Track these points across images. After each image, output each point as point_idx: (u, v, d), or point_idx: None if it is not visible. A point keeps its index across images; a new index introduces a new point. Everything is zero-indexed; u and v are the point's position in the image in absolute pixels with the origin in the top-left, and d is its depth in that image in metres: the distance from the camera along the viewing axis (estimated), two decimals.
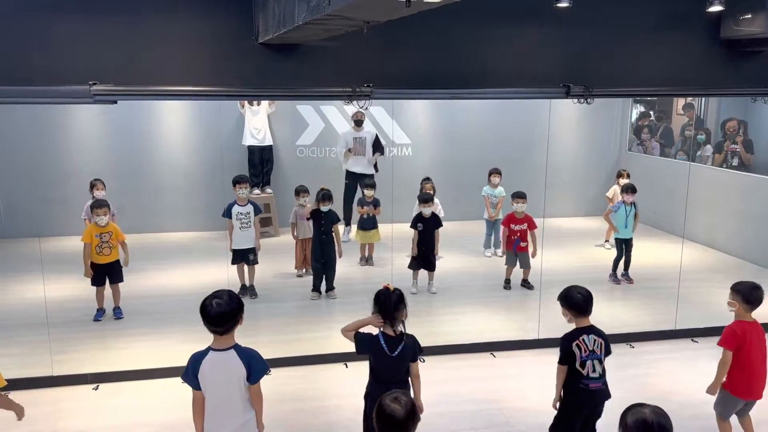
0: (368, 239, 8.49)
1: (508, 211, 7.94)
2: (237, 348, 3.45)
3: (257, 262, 7.43)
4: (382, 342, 3.88)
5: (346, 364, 5.79)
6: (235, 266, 7.38)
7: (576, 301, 4.01)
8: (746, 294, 4.26)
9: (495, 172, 8.99)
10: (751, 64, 6.36)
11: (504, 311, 7.14)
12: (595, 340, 3.99)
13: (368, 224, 8.43)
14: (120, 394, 5.35)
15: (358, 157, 9.57)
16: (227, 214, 7.25)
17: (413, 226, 7.59)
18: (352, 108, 9.95)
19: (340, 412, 5.05)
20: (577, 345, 3.96)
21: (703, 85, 6.47)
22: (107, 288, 6.79)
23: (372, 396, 3.92)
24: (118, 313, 6.85)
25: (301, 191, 7.84)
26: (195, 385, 3.43)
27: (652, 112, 11.25)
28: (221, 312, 3.32)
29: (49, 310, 6.13)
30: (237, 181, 7.30)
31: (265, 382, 4.94)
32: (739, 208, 9.18)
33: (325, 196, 7.37)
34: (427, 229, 7.52)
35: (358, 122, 9.60)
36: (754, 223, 8.90)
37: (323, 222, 7.36)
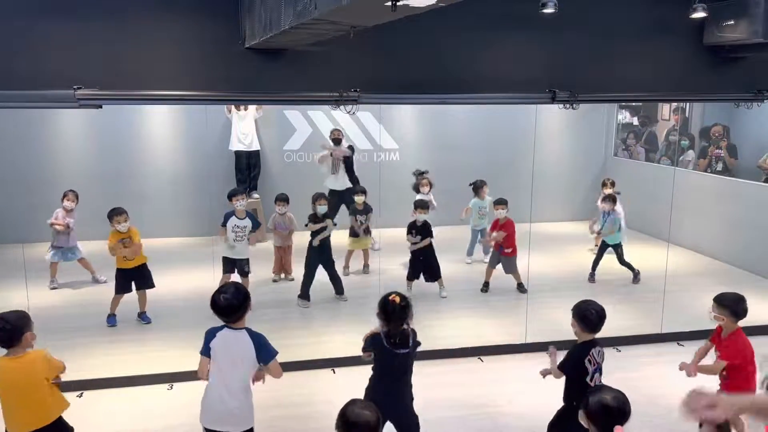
0: (360, 245, 8.42)
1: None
2: (248, 330, 3.77)
3: (249, 272, 7.26)
4: (384, 341, 3.93)
5: (333, 370, 5.77)
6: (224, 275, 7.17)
7: (590, 319, 4.03)
8: (734, 308, 4.34)
9: (485, 184, 8.93)
10: (734, 70, 6.44)
11: (491, 316, 7.14)
12: (599, 351, 4.03)
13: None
14: (105, 402, 5.29)
15: (333, 175, 9.29)
16: (225, 223, 7.09)
17: (408, 232, 7.56)
18: (339, 113, 9.95)
19: (328, 418, 4.98)
20: (589, 360, 4.00)
21: (687, 90, 6.54)
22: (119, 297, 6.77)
23: (372, 391, 4.01)
24: (145, 318, 6.85)
25: (280, 199, 7.80)
26: (206, 352, 3.75)
27: (636, 118, 11.35)
28: (229, 304, 3.67)
29: (33, 317, 6.03)
30: (232, 195, 7.17)
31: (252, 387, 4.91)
32: (723, 213, 9.26)
33: (320, 196, 7.38)
34: (421, 238, 7.50)
35: (336, 140, 9.35)
36: (738, 227, 8.99)
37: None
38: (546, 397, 5.31)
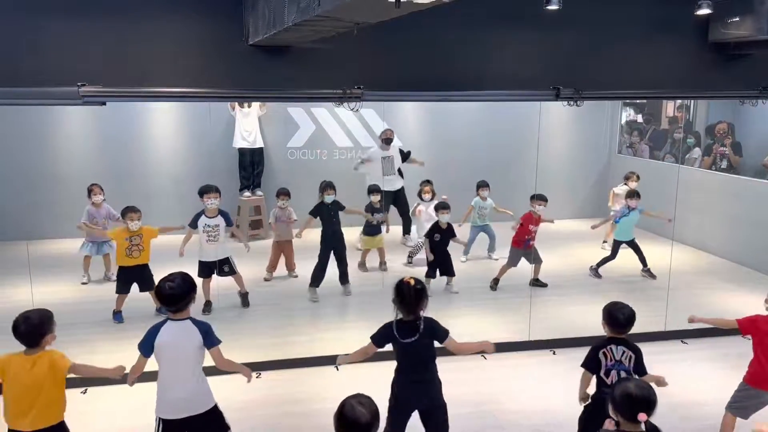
0: (374, 244, 8.39)
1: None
2: (192, 319, 3.83)
3: (234, 273, 7.02)
4: (394, 330, 3.86)
5: (336, 367, 5.77)
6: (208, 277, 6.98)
7: (617, 320, 4.03)
8: None
9: (484, 185, 8.87)
10: (739, 67, 6.42)
11: (495, 313, 7.14)
12: (623, 352, 4.00)
13: (375, 230, 8.28)
14: (109, 398, 5.30)
15: (387, 177, 9.17)
16: (193, 225, 6.86)
17: (428, 236, 7.57)
18: (343, 110, 9.95)
19: (331, 415, 5.01)
20: (604, 353, 3.98)
21: (692, 87, 6.51)
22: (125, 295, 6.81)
23: (396, 383, 3.96)
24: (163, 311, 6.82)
25: (281, 193, 7.81)
26: (147, 352, 3.77)
27: (641, 115, 11.31)
28: (173, 294, 3.71)
29: None
30: (204, 192, 6.86)
31: (254, 385, 4.91)
32: (728, 211, 9.23)
33: (327, 185, 7.41)
34: (443, 239, 7.53)
35: (387, 140, 9.33)
36: (743, 225, 8.96)
37: (332, 213, 7.35)
38: (549, 395, 5.32)
